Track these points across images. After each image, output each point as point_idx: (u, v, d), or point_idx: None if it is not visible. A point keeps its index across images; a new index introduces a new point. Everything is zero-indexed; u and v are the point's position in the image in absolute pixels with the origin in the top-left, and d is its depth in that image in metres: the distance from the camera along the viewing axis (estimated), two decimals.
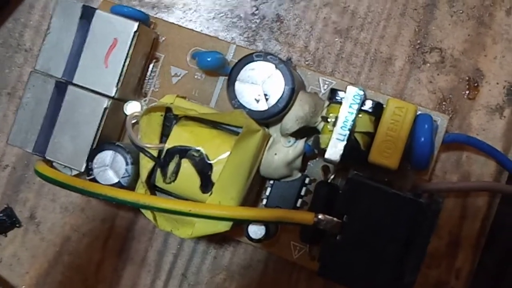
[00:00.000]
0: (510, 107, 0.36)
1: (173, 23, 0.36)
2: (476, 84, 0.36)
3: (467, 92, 0.37)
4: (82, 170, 0.33)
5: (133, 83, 0.35)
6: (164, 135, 0.33)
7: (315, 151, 0.33)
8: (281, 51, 0.37)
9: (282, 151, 0.33)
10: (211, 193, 0.32)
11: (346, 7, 0.37)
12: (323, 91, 0.34)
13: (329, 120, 0.31)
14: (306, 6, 0.37)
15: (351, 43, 0.37)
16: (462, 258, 0.36)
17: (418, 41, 0.37)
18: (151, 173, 0.33)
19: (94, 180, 0.33)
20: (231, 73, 0.32)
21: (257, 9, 0.38)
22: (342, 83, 0.34)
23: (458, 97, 0.37)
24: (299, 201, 0.34)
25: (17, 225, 0.39)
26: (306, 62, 0.37)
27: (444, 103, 0.37)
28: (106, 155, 0.33)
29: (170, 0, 0.38)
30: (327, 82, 0.34)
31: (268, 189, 0.34)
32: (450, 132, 0.36)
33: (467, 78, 0.37)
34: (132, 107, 0.34)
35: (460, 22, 0.37)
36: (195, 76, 0.35)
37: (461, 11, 0.37)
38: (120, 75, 0.33)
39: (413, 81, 0.37)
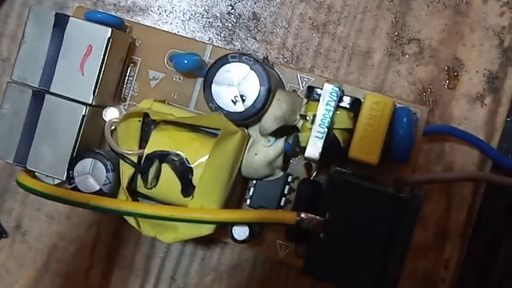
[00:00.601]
0: (491, 95, 0.36)
1: (149, 26, 0.36)
2: (455, 74, 0.36)
3: (447, 82, 0.36)
4: (64, 178, 0.33)
5: (111, 89, 0.35)
6: (143, 140, 0.33)
7: (295, 149, 0.33)
8: (259, 49, 0.37)
9: (263, 151, 0.33)
10: (192, 197, 0.31)
11: (322, 2, 0.37)
12: (301, 89, 0.34)
13: (307, 118, 0.31)
14: (281, 3, 0.37)
15: (328, 38, 0.37)
16: (450, 249, 0.36)
17: (396, 33, 0.37)
18: (132, 180, 0.33)
19: (75, 188, 0.33)
20: (207, 75, 0.32)
21: (232, 8, 0.38)
22: (321, 80, 0.34)
23: (438, 87, 0.36)
24: (283, 199, 0.34)
25: (4, 235, 0.39)
26: (285, 59, 0.37)
27: (424, 94, 0.36)
28: (86, 163, 0.33)
29: (145, 3, 0.38)
30: (305, 79, 0.34)
31: (252, 189, 0.34)
32: (431, 123, 0.36)
33: (446, 68, 0.36)
34: (111, 113, 0.34)
35: (437, 11, 0.36)
36: (174, 79, 0.35)
37: (437, 1, 0.36)
38: (97, 82, 0.33)
39: (393, 73, 0.37)
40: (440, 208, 0.36)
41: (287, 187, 0.34)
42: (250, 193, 0.34)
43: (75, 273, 0.39)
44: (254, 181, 0.34)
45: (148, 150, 0.32)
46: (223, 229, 0.33)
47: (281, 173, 0.34)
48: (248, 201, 0.34)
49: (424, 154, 0.36)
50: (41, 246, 0.39)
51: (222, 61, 0.32)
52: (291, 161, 0.34)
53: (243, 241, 0.32)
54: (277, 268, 0.37)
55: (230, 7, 0.38)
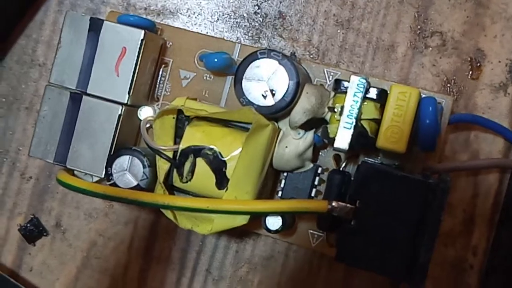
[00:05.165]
0: None
1: (179, 27, 0.37)
2: (478, 64, 0.37)
3: (470, 72, 0.37)
4: (102, 176, 0.35)
5: (145, 89, 0.36)
6: (178, 136, 0.34)
7: (324, 141, 0.34)
8: (285, 47, 0.38)
9: (293, 143, 0.34)
10: (226, 189, 0.33)
11: None
12: (328, 83, 0.35)
13: (335, 110, 0.32)
14: (306, 1, 0.38)
15: (353, 34, 0.38)
16: (478, 235, 0.37)
17: (419, 27, 0.38)
18: (168, 174, 0.34)
19: (114, 184, 0.34)
20: (237, 71, 0.33)
21: (259, 8, 0.39)
22: (347, 73, 0.35)
23: (461, 78, 0.37)
24: (314, 190, 0.35)
25: (44, 234, 0.41)
26: (311, 56, 0.38)
27: (448, 85, 0.37)
28: (124, 160, 0.34)
29: (175, 6, 0.40)
30: (332, 74, 0.35)
31: (283, 181, 0.35)
32: (456, 113, 0.36)
33: (469, 59, 0.37)
34: (146, 112, 0.36)
35: (458, 4, 0.37)
36: (204, 77, 0.36)
37: None
38: (131, 82, 0.34)
39: (417, 66, 0.38)
40: (467, 196, 0.37)
41: (317, 178, 0.35)
42: (282, 185, 0.35)
43: (114, 268, 0.40)
44: (285, 174, 0.35)
45: (182, 145, 0.34)
46: (257, 220, 0.34)
47: (311, 165, 0.35)
48: (280, 193, 0.35)
49: (449, 143, 0.37)
50: (80, 243, 0.40)
51: (252, 57, 0.33)
52: (320, 153, 0.35)
53: (276, 231, 0.33)
54: (309, 258, 0.38)
55: (256, 7, 0.39)
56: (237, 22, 0.39)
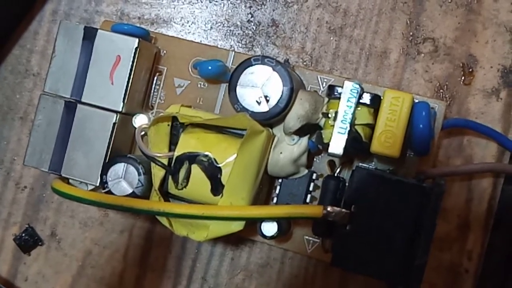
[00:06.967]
0: (506, 89, 0.37)
1: (172, 36, 0.37)
2: (470, 70, 0.38)
3: (463, 78, 0.38)
4: (97, 184, 0.35)
5: (139, 97, 0.36)
6: (173, 143, 0.35)
7: (319, 147, 0.34)
8: (279, 54, 0.39)
9: (287, 149, 0.34)
10: (222, 195, 0.33)
11: (338, 6, 0.38)
12: (322, 89, 0.35)
13: (329, 115, 0.33)
14: (299, 9, 0.39)
15: (346, 41, 0.38)
16: (473, 240, 0.37)
17: (411, 33, 0.38)
18: (163, 181, 0.34)
19: (109, 192, 0.34)
20: (232, 78, 0.33)
21: (252, 16, 0.39)
22: (340, 80, 0.35)
23: (454, 84, 0.38)
24: (308, 196, 0.35)
25: (40, 244, 0.41)
26: (304, 63, 0.38)
27: (441, 90, 0.38)
28: (119, 168, 0.34)
29: (168, 15, 0.40)
30: (325, 80, 0.35)
31: (278, 188, 0.35)
32: (449, 118, 0.37)
33: (461, 64, 0.38)
34: (140, 120, 0.36)
35: (450, 11, 0.38)
36: (198, 85, 0.37)
37: (449, 0, 0.38)
38: (126, 90, 0.34)
39: (409, 72, 0.38)
40: (461, 200, 0.37)
41: (312, 184, 0.35)
42: (277, 192, 0.35)
43: (110, 277, 0.40)
44: (280, 180, 0.35)
45: (177, 152, 0.34)
46: (252, 227, 0.34)
47: (306, 171, 0.35)
48: (275, 200, 0.35)
49: (443, 148, 0.37)
50: (75, 252, 0.40)
51: (246, 64, 0.33)
52: (314, 159, 0.36)
53: (271, 237, 0.33)
54: (305, 265, 0.38)
55: (249, 15, 0.39)
56: (230, 30, 0.39)
